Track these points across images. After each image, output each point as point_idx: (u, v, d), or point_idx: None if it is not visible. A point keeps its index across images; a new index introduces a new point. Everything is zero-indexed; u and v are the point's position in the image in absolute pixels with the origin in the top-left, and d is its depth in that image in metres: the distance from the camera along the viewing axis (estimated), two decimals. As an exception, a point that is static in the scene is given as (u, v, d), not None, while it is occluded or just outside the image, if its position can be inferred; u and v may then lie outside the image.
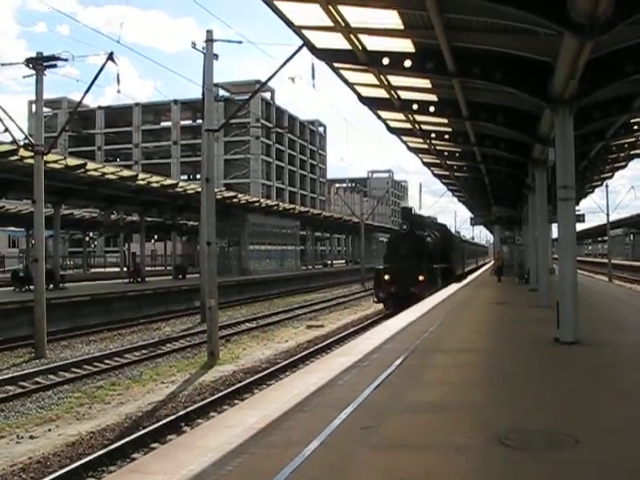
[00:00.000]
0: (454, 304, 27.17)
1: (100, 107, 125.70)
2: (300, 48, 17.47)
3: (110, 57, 22.50)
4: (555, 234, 28.13)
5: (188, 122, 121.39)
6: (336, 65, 17.37)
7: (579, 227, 42.59)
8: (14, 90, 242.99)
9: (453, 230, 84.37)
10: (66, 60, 23.98)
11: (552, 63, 14.41)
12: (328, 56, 16.65)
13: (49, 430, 13.73)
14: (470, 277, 56.15)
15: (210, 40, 25.40)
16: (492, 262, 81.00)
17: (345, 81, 18.98)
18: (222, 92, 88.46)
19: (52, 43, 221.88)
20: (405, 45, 15.62)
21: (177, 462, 7.15)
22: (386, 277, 33.95)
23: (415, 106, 20.95)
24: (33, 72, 24.19)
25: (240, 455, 7.30)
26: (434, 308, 25.21)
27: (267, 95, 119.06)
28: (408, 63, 15.92)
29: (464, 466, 6.91)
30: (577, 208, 30.04)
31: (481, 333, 17.53)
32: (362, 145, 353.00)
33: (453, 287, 39.16)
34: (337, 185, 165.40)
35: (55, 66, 24.21)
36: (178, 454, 7.48)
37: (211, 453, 7.34)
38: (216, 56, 26.00)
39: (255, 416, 9.02)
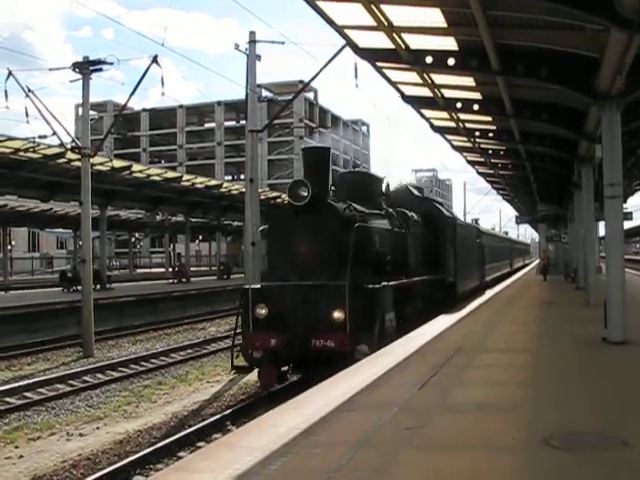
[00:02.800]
0: (498, 304, 26.92)
1: (145, 109, 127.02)
2: (343, 48, 17.56)
3: (154, 60, 22.78)
4: (602, 232, 27.79)
5: (232, 123, 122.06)
6: (379, 64, 17.34)
7: (627, 225, 41.83)
8: (61, 94, 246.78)
9: (467, 219, 65.75)
10: (111, 64, 24.35)
11: (598, 59, 14.18)
12: (371, 55, 16.62)
13: (97, 428, 13.96)
14: (513, 278, 54.84)
15: (253, 41, 25.56)
16: (534, 262, 77.80)
17: (388, 80, 18.93)
18: (265, 93, 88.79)
19: (97, 47, 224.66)
20: (448, 43, 15.52)
21: (222, 461, 7.19)
22: (261, 311, 15.58)
23: (459, 104, 20.82)
24: (80, 76, 24.57)
25: (285, 454, 7.32)
26: (478, 308, 25.01)
27: (310, 95, 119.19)
28: (452, 61, 15.82)
29: (510, 467, 6.85)
30: (624, 206, 29.64)
31: (527, 333, 17.33)
32: (406, 144, 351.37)
33: (497, 287, 38.68)
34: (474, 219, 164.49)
35: (101, 70, 24.61)
36: (223, 453, 7.52)
37: (256, 452, 7.37)
38: (259, 57, 26.17)
39: (300, 415, 9.03)
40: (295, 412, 9.30)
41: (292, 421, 8.72)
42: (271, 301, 15.65)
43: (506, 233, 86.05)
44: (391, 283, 16.57)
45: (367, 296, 15.18)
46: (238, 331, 16.18)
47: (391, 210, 19.79)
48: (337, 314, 14.61)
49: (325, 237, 15.68)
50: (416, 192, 24.88)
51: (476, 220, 66.12)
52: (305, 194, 15.55)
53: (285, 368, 15.89)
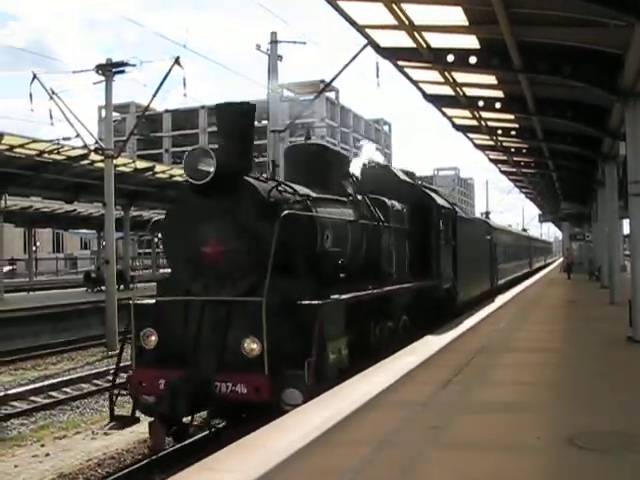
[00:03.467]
0: (523, 302, 26.79)
1: (167, 110, 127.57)
2: (364, 47, 17.53)
3: (176, 61, 22.90)
4: (626, 230, 27.52)
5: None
6: (400, 63, 17.33)
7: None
8: (84, 96, 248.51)
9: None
10: (134, 65, 24.50)
11: (622, 55, 14.08)
12: (392, 54, 16.62)
13: (122, 427, 14.01)
14: (536, 276, 54.53)
15: (274, 42, 25.61)
16: (557, 262, 76.24)
17: (410, 79, 18.92)
18: (287, 92, 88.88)
19: (118, 49, 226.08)
20: (470, 41, 15.48)
21: (246, 460, 7.21)
22: (148, 339, 11.15)
23: (481, 103, 20.76)
24: (103, 78, 24.75)
25: (308, 454, 7.33)
26: (502, 307, 24.89)
27: (332, 95, 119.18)
28: (473, 60, 15.77)
29: (535, 467, 6.81)
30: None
31: (551, 332, 17.24)
32: (428, 142, 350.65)
33: (520, 285, 38.45)
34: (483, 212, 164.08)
35: (123, 72, 24.77)
36: (247, 452, 7.54)
37: (279, 452, 7.39)
38: (280, 57, 26.20)
39: (323, 415, 9.04)
40: (317, 412, 9.30)
41: (316, 420, 8.73)
42: (163, 324, 10.93)
43: (525, 230, 76.73)
44: (345, 296, 11.53)
45: (299, 317, 10.26)
46: (124, 365, 12.45)
47: (361, 197, 14.65)
48: (250, 345, 10.08)
49: (239, 230, 10.74)
50: (402, 176, 19.06)
51: (486, 214, 60.37)
52: (208, 168, 10.45)
53: (188, 419, 11.14)
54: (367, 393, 10.25)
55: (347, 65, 20.71)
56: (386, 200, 15.90)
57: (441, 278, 18.57)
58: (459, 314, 20.14)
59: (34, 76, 24.50)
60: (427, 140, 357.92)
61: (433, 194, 19.72)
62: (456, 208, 23.25)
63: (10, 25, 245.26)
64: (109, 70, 24.59)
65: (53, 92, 24.83)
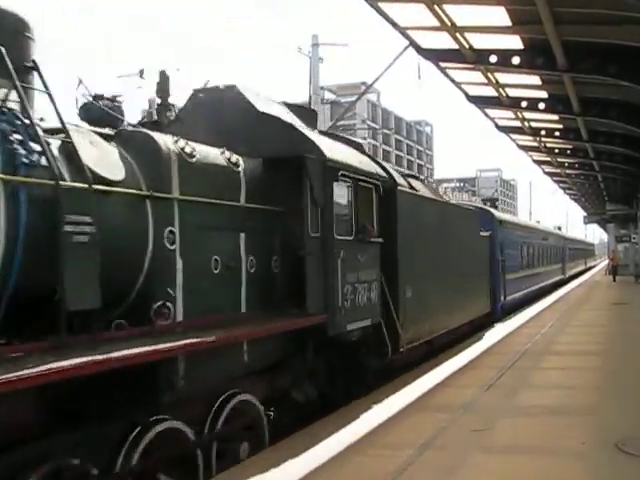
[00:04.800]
0: (568, 304, 26.49)
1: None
2: (406, 49, 17.49)
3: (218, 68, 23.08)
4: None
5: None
6: (442, 65, 17.26)
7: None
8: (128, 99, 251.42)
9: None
10: (177, 70, 24.81)
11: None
12: (434, 56, 16.57)
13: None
14: (581, 278, 53.66)
15: (316, 44, 25.68)
16: (599, 266, 74.14)
17: (452, 80, 18.84)
18: (328, 95, 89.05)
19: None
20: (513, 42, 15.37)
21: (293, 455, 7.24)
22: None
23: (524, 103, 20.59)
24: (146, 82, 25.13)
25: (350, 456, 7.34)
26: (546, 309, 24.64)
27: (373, 97, 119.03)
28: (516, 60, 15.66)
29: (579, 472, 6.73)
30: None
31: (596, 334, 17.01)
32: (470, 144, 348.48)
33: (566, 287, 37.90)
34: (445, 185, 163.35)
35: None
36: (293, 450, 7.56)
37: (321, 453, 7.40)
38: (321, 59, 26.27)
39: (365, 417, 9.04)
40: (366, 413, 9.32)
41: (357, 422, 8.75)
42: None
43: (559, 228, 62.97)
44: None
45: None
46: None
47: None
48: None
49: None
50: (262, 105, 10.34)
51: (492, 202, 42.90)
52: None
53: None
54: (409, 396, 10.24)
55: (389, 67, 20.70)
56: (217, 153, 8.50)
57: (335, 309, 9.83)
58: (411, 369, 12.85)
59: (80, 81, 24.85)
60: (469, 141, 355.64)
61: (324, 141, 10.62)
62: (405, 180, 14.17)
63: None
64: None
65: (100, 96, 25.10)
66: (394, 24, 14.42)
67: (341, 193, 10.35)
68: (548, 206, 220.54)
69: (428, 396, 10.36)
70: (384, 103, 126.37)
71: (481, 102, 21.36)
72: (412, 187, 14.14)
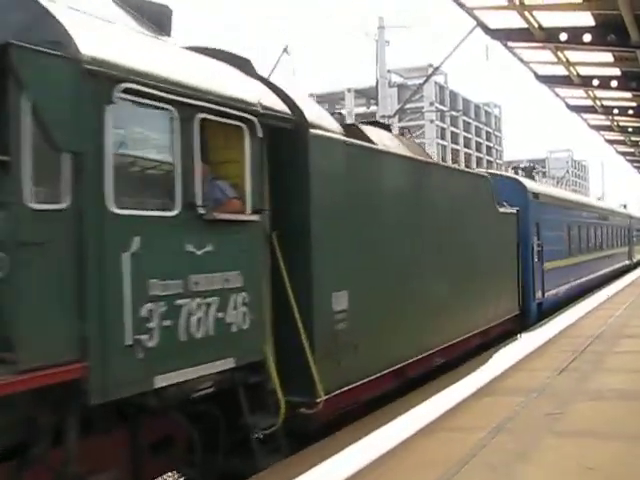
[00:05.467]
0: (642, 287, 25.92)
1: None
2: (473, 29, 17.28)
3: (285, 50, 23.21)
4: None
5: (362, 109, 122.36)
6: (510, 44, 17.00)
7: None
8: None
9: None
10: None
11: None
12: (502, 36, 16.32)
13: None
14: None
15: (382, 27, 25.56)
16: None
17: (521, 60, 18.55)
18: (395, 78, 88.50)
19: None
20: (584, 19, 15.02)
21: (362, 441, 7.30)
22: None
23: (596, 82, 20.11)
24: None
25: (422, 438, 7.37)
26: (619, 292, 24.16)
27: (440, 79, 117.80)
28: (588, 37, 15.30)
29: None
30: None
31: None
32: (540, 124, 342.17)
33: (637, 272, 36.91)
34: (515, 166, 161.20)
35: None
36: (361, 434, 7.62)
37: (393, 435, 7.44)
38: (387, 42, 26.15)
39: (436, 400, 9.05)
40: (438, 395, 9.33)
41: (430, 405, 8.76)
42: None
43: (624, 206, 53.71)
44: None
45: None
46: None
47: None
48: None
49: None
50: None
51: (528, 171, 31.62)
52: None
53: None
54: (480, 379, 10.21)
55: (456, 48, 20.49)
56: None
57: (111, 350, 5.59)
58: None
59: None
60: (539, 122, 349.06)
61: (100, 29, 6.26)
62: (355, 128, 10.86)
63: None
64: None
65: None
66: (461, 4, 14.25)
67: (139, 127, 6.17)
68: (622, 186, 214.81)
69: (500, 379, 10.32)
70: (452, 85, 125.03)
71: (551, 81, 20.96)
72: (367, 139, 9.91)
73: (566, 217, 23.69)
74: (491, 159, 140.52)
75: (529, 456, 6.66)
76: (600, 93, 22.28)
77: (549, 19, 15.13)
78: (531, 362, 11.69)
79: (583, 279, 25.16)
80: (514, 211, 16.53)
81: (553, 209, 21.36)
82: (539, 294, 18.27)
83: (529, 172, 30.29)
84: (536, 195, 19.52)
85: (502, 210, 15.66)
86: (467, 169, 20.28)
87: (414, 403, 8.95)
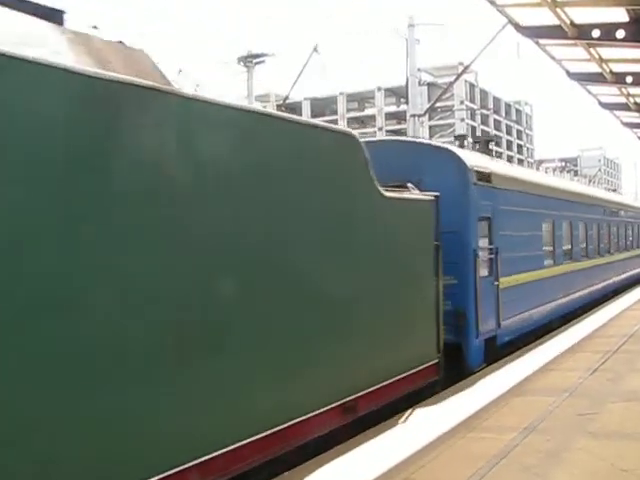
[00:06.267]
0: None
1: (306, 98, 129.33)
2: (504, 27, 17.16)
3: (315, 49, 23.25)
4: None
5: (392, 108, 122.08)
6: (542, 42, 16.87)
7: None
8: (230, 87, 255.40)
9: None
10: (273, 55, 25.16)
11: None
12: (533, 33, 16.21)
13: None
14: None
15: (412, 25, 25.49)
16: None
17: (552, 58, 18.40)
18: (425, 76, 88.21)
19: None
20: (617, 14, 14.86)
21: (388, 440, 7.29)
22: None
23: (629, 78, 19.89)
24: (244, 69, 25.51)
25: (452, 438, 7.34)
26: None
27: (471, 77, 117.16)
28: (621, 33, 15.13)
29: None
30: None
31: None
32: (571, 122, 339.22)
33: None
34: (546, 165, 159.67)
35: (263, 62, 25.46)
36: (394, 431, 7.61)
37: (423, 435, 7.42)
38: (417, 41, 26.07)
39: (467, 401, 9.01)
40: (463, 397, 9.29)
41: (461, 405, 8.72)
42: None
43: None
44: None
45: None
46: None
47: None
48: None
49: None
50: None
51: (485, 143, 21.21)
52: None
53: None
54: (512, 379, 10.14)
55: (486, 46, 20.37)
56: None
57: None
58: None
59: (180, 70, 25.46)
60: (571, 120, 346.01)
61: None
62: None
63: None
64: (250, 61, 25.28)
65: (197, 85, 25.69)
66: (492, 2, 14.17)
67: None
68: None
69: (531, 380, 10.24)
70: (482, 83, 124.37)
71: (583, 79, 20.77)
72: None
73: (549, 210, 17.80)
74: (522, 157, 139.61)
75: (562, 457, 6.60)
76: (634, 90, 22.06)
77: (581, 15, 15.00)
78: (563, 362, 11.60)
79: (579, 293, 19.89)
80: (429, 197, 10.85)
81: (520, 198, 15.27)
82: (488, 324, 12.52)
83: (484, 145, 20.17)
84: (483, 176, 13.12)
85: (392, 195, 9.65)
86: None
87: (457, 398, 8.92)
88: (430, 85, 70.99)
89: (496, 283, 12.96)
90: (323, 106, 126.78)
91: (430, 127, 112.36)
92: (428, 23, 27.47)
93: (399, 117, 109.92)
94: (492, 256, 13.02)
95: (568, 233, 19.65)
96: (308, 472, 6.65)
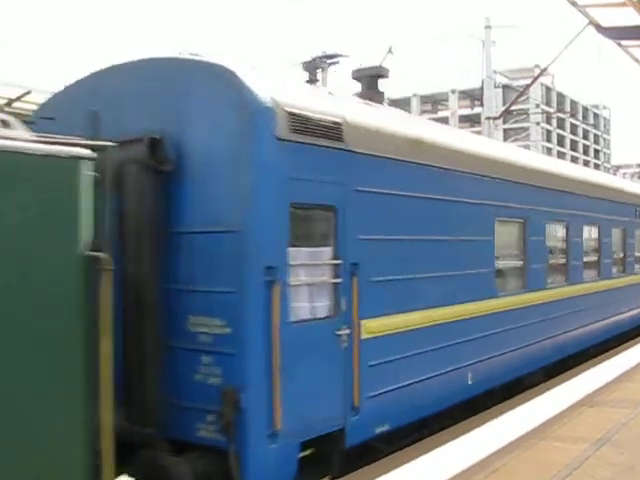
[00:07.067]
0: None
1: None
2: (584, 28, 16.79)
3: (389, 50, 23.16)
4: None
5: (466, 111, 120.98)
6: (624, 43, 16.45)
7: None
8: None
9: None
10: (347, 56, 25.18)
11: None
12: (616, 34, 15.81)
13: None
14: None
15: (488, 27, 25.20)
16: None
17: (636, 59, 17.93)
18: (500, 79, 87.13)
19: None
20: None
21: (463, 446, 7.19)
22: None
23: None
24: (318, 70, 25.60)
25: (524, 445, 7.19)
26: None
27: (547, 80, 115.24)
28: None
29: None
30: None
31: None
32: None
33: None
34: (623, 171, 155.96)
35: (337, 62, 25.49)
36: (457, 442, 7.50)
37: (495, 443, 7.29)
38: (493, 43, 25.76)
39: (537, 409, 8.83)
40: (532, 405, 9.11)
41: (531, 413, 8.55)
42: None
43: None
44: None
45: None
46: None
47: None
48: None
49: None
50: None
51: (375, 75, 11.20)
52: None
53: None
54: (581, 390, 9.91)
55: (565, 48, 19.92)
56: None
57: None
58: None
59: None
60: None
61: None
62: None
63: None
64: (324, 61, 25.31)
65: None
66: (573, 2, 13.87)
67: None
68: None
69: (604, 391, 9.96)
70: (559, 86, 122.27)
71: (667, 82, 20.22)
72: None
73: (497, 202, 10.96)
74: (598, 162, 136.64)
75: (636, 470, 6.38)
76: None
77: (668, 16, 14.58)
78: (637, 374, 11.26)
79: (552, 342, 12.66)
80: (64, 152, 5.26)
81: (427, 177, 9.32)
82: (316, 410, 7.12)
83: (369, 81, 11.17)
84: (316, 127, 7.34)
85: None
86: None
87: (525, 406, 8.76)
88: (505, 88, 70.19)
89: (347, 331, 7.36)
90: (397, 107, 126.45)
91: (504, 130, 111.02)
92: (504, 25, 27.12)
93: (473, 120, 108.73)
94: (338, 280, 7.37)
95: (523, 241, 12.22)
96: (376, 474, 6.64)
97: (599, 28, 15.63)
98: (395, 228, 8.36)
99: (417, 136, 9.18)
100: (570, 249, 14.07)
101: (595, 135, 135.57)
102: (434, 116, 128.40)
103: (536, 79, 32.28)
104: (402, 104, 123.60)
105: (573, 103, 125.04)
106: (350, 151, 7.55)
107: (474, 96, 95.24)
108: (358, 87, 10.85)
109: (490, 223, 10.74)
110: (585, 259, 14.97)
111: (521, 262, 12.00)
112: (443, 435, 8.02)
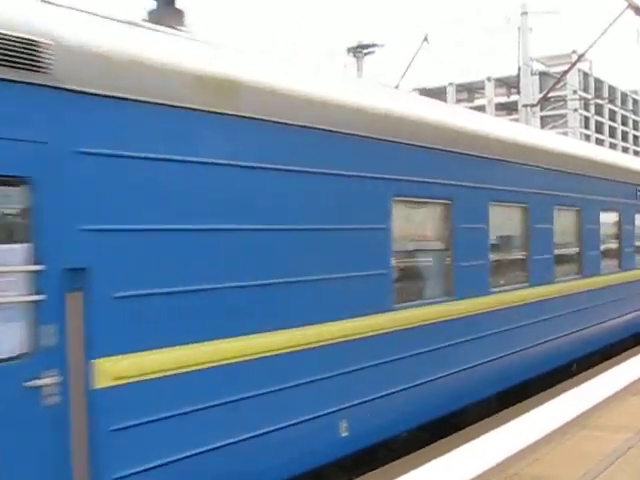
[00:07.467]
0: None
1: (415, 89, 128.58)
2: (623, 12, 16.56)
3: (425, 38, 23.11)
4: None
5: (502, 99, 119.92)
6: (664, 26, 16.21)
7: None
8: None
9: None
10: (382, 46, 25.15)
11: None
12: (656, 17, 15.60)
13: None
14: None
15: (525, 13, 24.97)
16: None
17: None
18: (536, 65, 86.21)
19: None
20: None
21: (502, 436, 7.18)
22: None
23: None
24: (353, 60, 25.61)
25: (565, 435, 7.14)
26: None
27: (584, 66, 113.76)
28: None
29: None
30: None
31: None
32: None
33: None
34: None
35: (373, 53, 25.49)
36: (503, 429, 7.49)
37: (536, 432, 7.26)
38: (530, 29, 25.53)
39: (581, 398, 8.77)
40: (576, 394, 9.06)
41: (574, 402, 8.50)
42: None
43: None
44: None
45: None
46: None
47: None
48: None
49: None
50: None
51: None
52: None
53: None
54: (624, 379, 9.81)
55: (603, 33, 19.65)
56: None
57: None
58: None
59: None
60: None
61: None
62: None
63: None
64: (360, 52, 25.32)
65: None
66: (611, -14, 13.70)
67: None
68: None
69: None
70: (596, 72, 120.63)
71: None
72: None
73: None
74: (638, 149, 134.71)
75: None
76: None
77: None
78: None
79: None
80: None
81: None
82: None
83: None
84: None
85: None
86: None
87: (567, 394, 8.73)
88: (542, 74, 69.48)
89: (52, 379, 4.52)
90: (432, 96, 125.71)
91: (542, 118, 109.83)
92: (541, 11, 26.82)
93: (509, 108, 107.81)
94: (35, 297, 4.51)
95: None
96: (414, 466, 6.64)
97: (638, 11, 15.43)
98: (179, 213, 5.31)
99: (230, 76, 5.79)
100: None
101: (634, 121, 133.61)
102: (470, 105, 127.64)
103: (574, 65, 31.92)
104: (438, 93, 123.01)
105: (611, 89, 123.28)
106: (64, 89, 4.62)
107: (510, 84, 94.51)
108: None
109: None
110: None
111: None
112: (483, 425, 7.99)
